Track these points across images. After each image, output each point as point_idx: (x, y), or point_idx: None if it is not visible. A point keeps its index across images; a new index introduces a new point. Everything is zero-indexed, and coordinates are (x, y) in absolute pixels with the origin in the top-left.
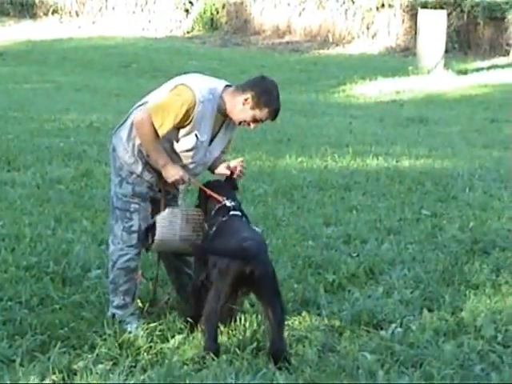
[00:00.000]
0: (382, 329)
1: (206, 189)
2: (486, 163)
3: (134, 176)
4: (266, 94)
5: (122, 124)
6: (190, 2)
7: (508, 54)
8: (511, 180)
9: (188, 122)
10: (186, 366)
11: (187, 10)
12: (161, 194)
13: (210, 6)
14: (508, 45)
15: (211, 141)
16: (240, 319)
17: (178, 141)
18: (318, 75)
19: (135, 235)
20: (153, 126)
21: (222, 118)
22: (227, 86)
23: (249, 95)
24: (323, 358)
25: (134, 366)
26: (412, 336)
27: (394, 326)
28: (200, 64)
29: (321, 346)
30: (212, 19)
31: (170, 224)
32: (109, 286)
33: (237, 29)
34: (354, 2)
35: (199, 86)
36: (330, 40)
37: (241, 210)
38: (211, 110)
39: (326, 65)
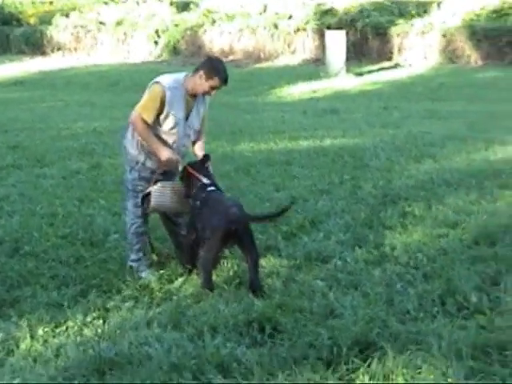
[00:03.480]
0: (327, 263)
1: (188, 169)
2: (384, 138)
3: (139, 165)
4: (213, 66)
5: (127, 128)
6: (158, 36)
7: (391, 59)
8: (405, 149)
9: (163, 106)
10: (188, 300)
11: (156, 42)
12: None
13: (173, 37)
14: (390, 52)
15: (187, 117)
16: (225, 263)
17: (161, 125)
18: (255, 83)
19: (140, 208)
20: (143, 120)
21: (192, 99)
22: (186, 74)
23: (201, 71)
24: (287, 286)
25: (151, 302)
26: (349, 266)
27: (335, 260)
28: None
29: (285, 278)
30: (174, 47)
31: (160, 193)
32: (126, 246)
33: (193, 52)
34: (277, 28)
35: (165, 80)
36: (262, 57)
37: (215, 185)
38: (180, 94)
39: (260, 75)
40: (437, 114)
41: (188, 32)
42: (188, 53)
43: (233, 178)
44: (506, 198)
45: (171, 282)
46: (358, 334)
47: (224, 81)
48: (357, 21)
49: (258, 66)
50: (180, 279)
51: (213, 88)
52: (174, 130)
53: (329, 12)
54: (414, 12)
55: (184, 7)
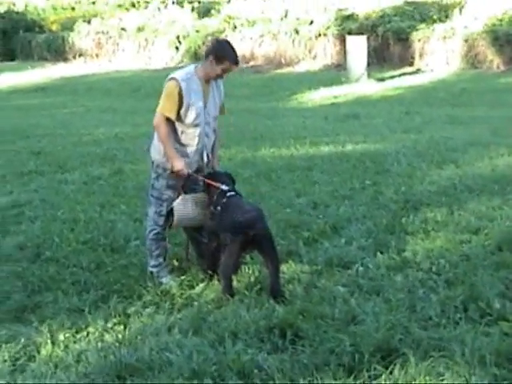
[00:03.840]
0: (348, 268)
1: (205, 179)
2: (406, 144)
3: (167, 172)
4: (221, 50)
5: (153, 134)
6: (179, 42)
7: (412, 64)
8: (426, 155)
9: (182, 99)
10: (209, 306)
11: (177, 48)
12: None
13: (194, 43)
14: (412, 58)
15: (205, 105)
16: (246, 269)
17: (183, 120)
18: (275, 89)
19: (163, 217)
20: (166, 119)
21: (206, 86)
22: (196, 66)
23: (211, 57)
24: (308, 292)
25: (172, 308)
26: (371, 272)
27: (356, 265)
28: None
29: (306, 284)
30: (195, 52)
31: (183, 207)
32: (146, 252)
33: None
34: (298, 34)
35: (178, 74)
36: (283, 62)
37: (235, 190)
38: (195, 83)
39: (281, 81)
40: (459, 119)
41: (209, 38)
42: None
43: (254, 184)
44: None
45: (192, 287)
46: (380, 340)
47: (235, 62)
48: (378, 26)
49: (278, 71)
50: (201, 285)
51: (224, 71)
52: (197, 121)
53: (350, 17)
54: (435, 17)
55: (205, 13)
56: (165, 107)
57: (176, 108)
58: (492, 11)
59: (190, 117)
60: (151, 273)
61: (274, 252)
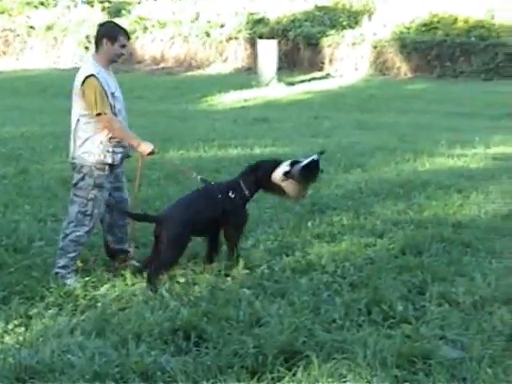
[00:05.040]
0: (254, 271)
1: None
2: (314, 148)
3: (96, 172)
4: (111, 30)
5: (79, 138)
6: (89, 42)
7: (322, 69)
8: (334, 159)
9: (106, 91)
10: (113, 307)
11: (87, 47)
12: None
13: None
14: (322, 63)
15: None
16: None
17: (114, 107)
18: (186, 91)
19: (88, 217)
20: (110, 118)
21: (109, 72)
22: (92, 55)
23: (104, 40)
24: (214, 294)
25: (75, 310)
26: (276, 274)
27: (262, 268)
28: None
29: (211, 286)
30: None
31: None
32: (58, 252)
33: (124, 59)
34: (209, 36)
35: (89, 70)
36: (194, 65)
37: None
38: (105, 73)
39: (192, 83)
40: (366, 124)
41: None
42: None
43: (161, 186)
44: (432, 208)
45: (96, 288)
46: (284, 342)
47: (126, 34)
48: (289, 31)
49: (189, 73)
50: (106, 286)
51: (123, 47)
52: (119, 107)
53: (261, 21)
54: (345, 23)
55: (116, 13)
56: (103, 106)
57: (107, 101)
58: (400, 19)
59: (117, 105)
60: (56, 273)
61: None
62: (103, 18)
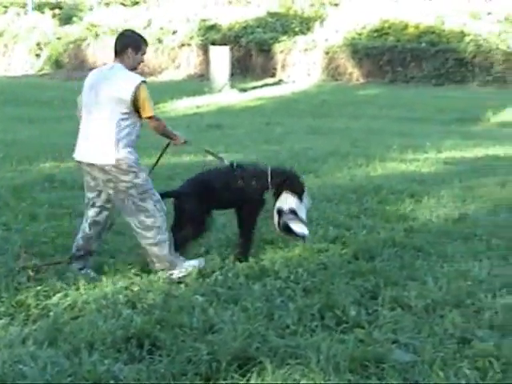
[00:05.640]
0: (207, 278)
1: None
2: (267, 154)
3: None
4: (135, 40)
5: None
6: (40, 49)
7: (274, 75)
8: (287, 165)
9: None
10: (65, 316)
11: (38, 55)
12: None
13: (55, 51)
14: (274, 69)
15: None
16: (104, 279)
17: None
18: None
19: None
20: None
21: None
22: (116, 62)
23: (129, 49)
24: (167, 302)
25: (27, 319)
26: (229, 281)
27: (215, 274)
28: (53, 94)
29: (164, 294)
30: (57, 60)
31: None
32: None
33: (76, 66)
34: (161, 43)
35: (136, 76)
36: (146, 71)
37: None
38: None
39: None
40: (319, 130)
41: (71, 45)
42: (71, 66)
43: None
44: (385, 213)
45: (49, 297)
46: (238, 349)
47: (146, 43)
48: (241, 37)
49: None
50: (58, 295)
51: (143, 54)
52: None
53: (213, 28)
54: (297, 29)
55: (67, 20)
56: (152, 109)
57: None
58: (352, 25)
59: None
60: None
61: None
62: (54, 24)
